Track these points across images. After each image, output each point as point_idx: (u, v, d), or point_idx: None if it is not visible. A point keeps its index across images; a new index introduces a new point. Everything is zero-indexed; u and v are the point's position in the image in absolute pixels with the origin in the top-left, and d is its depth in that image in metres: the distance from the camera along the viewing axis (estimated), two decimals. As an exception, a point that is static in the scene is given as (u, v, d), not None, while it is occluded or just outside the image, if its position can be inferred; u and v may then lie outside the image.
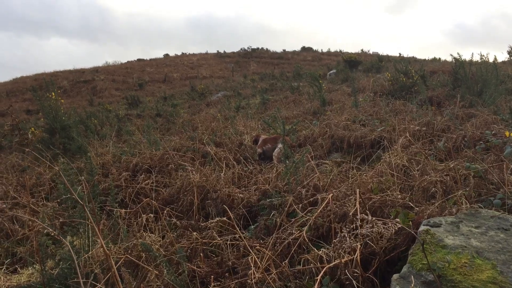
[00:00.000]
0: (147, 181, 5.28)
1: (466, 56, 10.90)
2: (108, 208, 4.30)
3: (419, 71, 11.14)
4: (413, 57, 39.42)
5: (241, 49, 53.37)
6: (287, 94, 19.02)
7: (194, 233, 3.30)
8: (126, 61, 50.48)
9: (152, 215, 3.65)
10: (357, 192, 2.88)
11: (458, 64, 8.83)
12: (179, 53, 54.72)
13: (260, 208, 4.02)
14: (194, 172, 4.84)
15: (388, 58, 32.52)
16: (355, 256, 2.41)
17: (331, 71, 28.11)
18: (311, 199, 3.70)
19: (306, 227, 2.93)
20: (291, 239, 2.86)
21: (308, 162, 4.63)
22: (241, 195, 4.25)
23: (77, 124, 9.66)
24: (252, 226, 3.82)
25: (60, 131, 6.40)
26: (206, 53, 53.40)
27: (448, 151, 4.40)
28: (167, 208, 4.33)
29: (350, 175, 4.19)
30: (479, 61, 9.23)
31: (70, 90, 35.89)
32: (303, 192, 3.72)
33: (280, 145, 6.18)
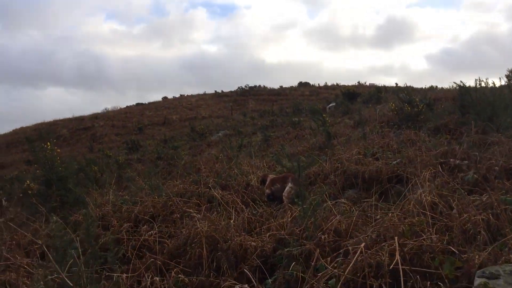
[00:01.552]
0: (150, 232, 4.89)
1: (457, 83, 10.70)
2: (108, 267, 3.90)
3: (424, 99, 10.90)
4: (410, 86, 39.49)
5: (239, 87, 53.71)
6: (289, 129, 18.81)
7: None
8: (125, 106, 50.74)
9: (157, 278, 3.23)
10: (396, 240, 2.50)
11: (463, 90, 8.59)
12: (177, 95, 55.06)
13: (277, 258, 3.63)
14: (201, 220, 4.46)
15: (385, 89, 32.53)
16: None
17: (330, 104, 28.05)
18: (333, 246, 3.32)
19: (336, 283, 2.54)
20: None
21: (324, 203, 4.27)
22: (253, 244, 3.86)
23: (76, 173, 9.32)
24: (270, 280, 3.41)
25: (56, 183, 6.07)
26: (204, 94, 53.69)
27: (476, 182, 4.05)
28: (173, 263, 3.93)
29: (373, 216, 3.82)
30: (482, 86, 9.01)
31: (70, 138, 35.81)
32: (324, 238, 3.34)
33: (290, 185, 5.83)
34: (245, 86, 53.69)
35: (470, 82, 9.04)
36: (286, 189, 5.82)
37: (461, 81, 8.58)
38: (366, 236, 3.07)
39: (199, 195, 5.89)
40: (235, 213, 5.14)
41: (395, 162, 5.46)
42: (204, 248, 3.85)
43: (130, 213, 5.55)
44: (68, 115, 46.08)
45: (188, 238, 4.15)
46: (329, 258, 3.23)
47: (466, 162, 4.42)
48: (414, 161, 5.26)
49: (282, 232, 3.86)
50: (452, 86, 22.43)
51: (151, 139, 29.39)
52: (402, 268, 2.32)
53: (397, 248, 2.46)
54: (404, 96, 11.82)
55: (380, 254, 2.63)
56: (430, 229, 3.02)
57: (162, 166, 15.61)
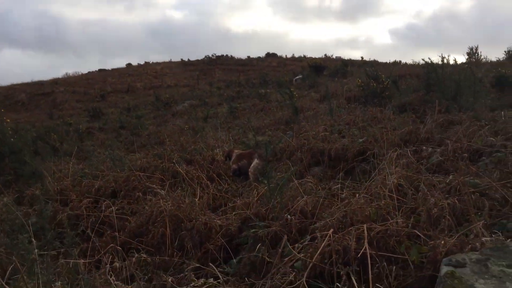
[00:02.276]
0: (111, 208, 4.73)
1: (419, 58, 10.82)
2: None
3: (389, 76, 10.96)
4: (374, 60, 39.75)
5: (206, 56, 52.69)
6: (255, 101, 18.65)
7: (170, 279, 2.80)
8: (87, 72, 48.91)
9: (117, 261, 3.11)
10: (365, 228, 2.47)
11: (430, 68, 8.67)
12: (141, 62, 53.45)
13: (243, 239, 3.57)
14: (164, 198, 4.33)
15: (351, 63, 32.65)
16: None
17: (297, 77, 27.99)
18: (300, 227, 3.29)
19: (303, 267, 2.51)
20: (287, 286, 2.43)
21: (290, 181, 4.22)
22: (219, 223, 3.79)
23: (33, 143, 8.93)
24: (235, 260, 3.36)
25: (9, 155, 5.75)
26: (170, 62, 52.41)
27: (441, 164, 4.09)
28: (135, 242, 3.82)
29: (339, 196, 3.80)
30: (447, 64, 9.11)
31: (28, 104, 34.38)
32: (290, 219, 3.30)
33: (256, 161, 5.76)
34: (212, 55, 52.73)
35: (432, 58, 9.11)
36: (252, 165, 5.75)
37: (429, 58, 8.63)
38: (333, 219, 3.04)
39: (163, 170, 5.74)
40: (200, 189, 5.04)
41: (361, 140, 5.46)
42: (168, 227, 3.75)
43: (91, 188, 5.36)
44: (26, 79, 44.02)
45: (150, 216, 4.03)
46: (294, 239, 3.21)
47: (439, 149, 4.43)
48: (379, 140, 5.28)
49: (248, 211, 3.79)
50: (415, 62, 22.78)
51: (114, 107, 28.57)
52: (369, 253, 2.30)
53: (366, 234, 2.43)
54: (370, 71, 11.87)
55: (348, 238, 2.60)
56: (396, 213, 3.03)
57: (125, 136, 15.25)
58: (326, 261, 2.49)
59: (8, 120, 6.54)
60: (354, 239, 2.57)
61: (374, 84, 10.70)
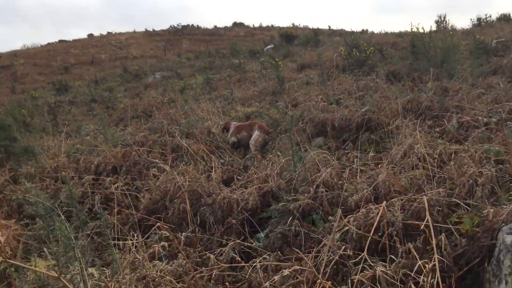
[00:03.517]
0: (116, 185, 4.58)
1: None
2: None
3: (370, 45, 10.95)
4: (342, 29, 39.73)
5: (171, 26, 51.31)
6: (230, 72, 18.34)
7: (211, 256, 2.73)
8: (47, 43, 46.85)
9: (165, 243, 2.99)
10: (425, 200, 2.45)
11: (416, 36, 8.70)
12: (99, 33, 51.55)
13: (266, 213, 3.52)
14: (174, 172, 4.21)
15: (320, 32, 32.46)
16: (436, 278, 1.99)
17: (268, 46, 27.73)
18: (328, 199, 3.26)
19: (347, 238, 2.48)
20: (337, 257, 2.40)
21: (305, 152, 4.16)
22: (238, 197, 3.71)
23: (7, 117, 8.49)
24: (262, 234, 3.32)
25: (-1, 132, 5.43)
26: (134, 32, 50.80)
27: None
28: (153, 219, 3.71)
29: (358, 168, 3.79)
30: (428, 31, 9.16)
31: (-15, 77, 32.71)
32: (320, 191, 3.26)
33: (257, 132, 5.67)
34: (178, 25, 51.40)
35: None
36: (253, 136, 5.67)
37: (416, 27, 8.63)
38: (367, 190, 3.02)
39: (162, 144, 5.57)
40: (204, 163, 4.94)
41: (363, 109, 5.45)
42: (188, 203, 3.65)
43: (89, 164, 5.15)
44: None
45: (166, 192, 3.91)
46: (325, 212, 3.19)
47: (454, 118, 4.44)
48: (383, 109, 5.28)
49: (269, 185, 3.72)
50: (383, 30, 22.84)
51: (80, 80, 27.59)
52: (432, 225, 2.28)
53: (427, 205, 2.41)
54: (350, 40, 11.84)
55: (392, 210, 2.59)
56: (432, 182, 3.04)
57: (98, 109, 14.77)
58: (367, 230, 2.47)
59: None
60: (399, 210, 2.56)
61: (357, 53, 10.68)
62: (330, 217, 3.01)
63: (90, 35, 51.13)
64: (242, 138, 5.83)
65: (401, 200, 2.67)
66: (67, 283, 1.74)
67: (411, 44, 9.02)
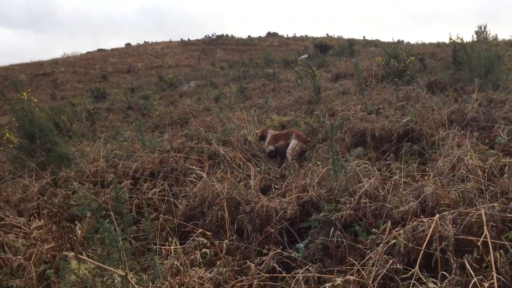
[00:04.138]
0: (153, 190, 4.59)
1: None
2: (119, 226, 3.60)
3: (409, 54, 10.73)
4: (377, 39, 39.33)
5: (206, 36, 52.15)
6: (264, 81, 18.36)
7: (252, 266, 2.66)
8: (86, 52, 48.34)
9: (207, 250, 2.95)
10: (482, 214, 2.31)
11: (459, 46, 8.45)
12: (135, 42, 52.87)
13: (306, 223, 3.43)
14: (213, 179, 4.18)
15: (354, 42, 32.21)
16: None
17: (302, 56, 27.66)
18: (372, 210, 3.14)
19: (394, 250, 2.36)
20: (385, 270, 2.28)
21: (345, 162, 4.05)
22: (277, 206, 3.64)
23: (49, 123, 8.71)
24: (302, 245, 3.23)
25: (40, 136, 5.54)
26: (170, 41, 51.80)
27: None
28: (191, 226, 3.68)
29: (401, 179, 3.65)
30: (469, 42, 8.88)
31: (29, 84, 33.88)
32: (363, 202, 3.15)
33: (294, 141, 5.59)
34: (212, 34, 52.18)
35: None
36: (290, 145, 5.59)
37: (457, 36, 8.39)
38: (414, 203, 2.89)
39: (199, 151, 5.57)
40: (241, 171, 4.90)
41: (405, 120, 5.29)
42: (226, 211, 3.60)
43: (127, 169, 5.19)
44: (19, 59, 43.45)
45: (204, 199, 3.88)
46: (368, 224, 3.07)
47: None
48: (426, 119, 5.11)
49: (309, 194, 3.63)
50: (420, 41, 22.36)
51: (117, 88, 28.25)
52: (490, 241, 2.15)
53: (484, 219, 2.27)
54: (389, 49, 11.63)
55: (443, 224, 2.45)
56: (484, 196, 2.88)
57: (134, 117, 15.02)
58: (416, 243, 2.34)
59: (36, 100, 6.30)
60: (451, 224, 2.43)
61: (395, 63, 10.48)
62: (373, 229, 2.90)
63: (128, 45, 52.49)
64: (280, 147, 5.77)
65: (452, 213, 2.54)
66: (132, 283, 1.71)
67: (453, 54, 8.76)
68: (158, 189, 4.60)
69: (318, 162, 4.46)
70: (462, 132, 4.46)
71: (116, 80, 33.73)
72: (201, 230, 3.59)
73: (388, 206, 3.08)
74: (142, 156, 5.48)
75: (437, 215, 2.43)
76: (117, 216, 3.98)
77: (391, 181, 3.59)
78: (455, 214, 2.54)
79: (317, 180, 3.81)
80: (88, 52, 48.66)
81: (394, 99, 6.60)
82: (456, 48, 8.84)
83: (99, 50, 50.20)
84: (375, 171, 3.99)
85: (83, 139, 7.79)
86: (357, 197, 3.22)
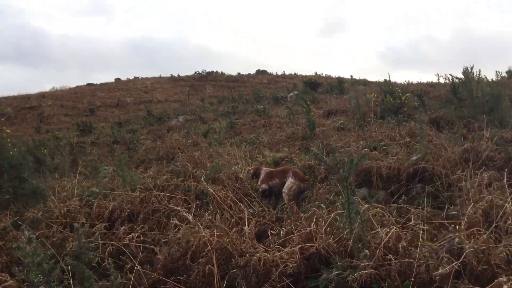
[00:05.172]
0: (131, 235, 3.96)
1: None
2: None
3: (416, 91, 10.42)
4: (365, 79, 39.67)
5: (195, 72, 52.25)
6: (254, 117, 17.96)
7: None
8: (75, 86, 47.97)
9: None
10: None
11: (460, 83, 8.12)
12: (124, 77, 52.76)
13: (314, 281, 2.83)
14: (199, 224, 3.57)
15: (343, 80, 32.34)
16: None
17: (292, 93, 27.51)
18: (397, 268, 2.55)
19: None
20: None
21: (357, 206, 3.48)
22: (277, 259, 3.03)
23: (26, 156, 8.08)
24: (309, 310, 2.62)
25: (8, 171, 4.90)
26: (160, 77, 51.78)
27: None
28: (172, 282, 3.04)
29: (424, 228, 3.09)
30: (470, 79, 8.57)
31: (14, 117, 33.22)
32: (388, 258, 2.57)
33: (291, 180, 5.04)
34: (202, 71, 52.34)
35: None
36: (286, 184, 5.03)
37: (466, 70, 8.06)
38: (455, 263, 2.32)
39: (186, 189, 4.96)
40: (233, 213, 4.30)
41: (414, 158, 4.78)
42: (215, 265, 2.98)
43: (103, 209, 4.56)
44: (6, 92, 42.87)
45: (188, 248, 3.26)
46: (393, 285, 2.48)
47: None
48: (438, 158, 4.61)
49: (315, 245, 3.04)
50: (408, 81, 22.37)
51: (104, 122, 27.65)
52: None
53: None
54: (385, 86, 11.33)
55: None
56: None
57: (120, 151, 14.38)
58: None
59: (9, 131, 5.68)
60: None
61: (391, 99, 10.13)
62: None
63: (117, 79, 52.33)
64: (274, 186, 5.20)
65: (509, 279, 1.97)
66: None
67: (453, 91, 8.41)
68: (137, 234, 3.96)
69: (322, 205, 3.89)
70: (480, 172, 3.94)
71: (104, 114, 33.14)
72: None
73: (414, 264, 2.51)
74: (121, 194, 4.86)
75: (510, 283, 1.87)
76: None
77: (410, 230, 3.03)
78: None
79: (325, 227, 3.22)
80: (77, 86, 48.29)
81: (398, 135, 6.13)
82: (456, 85, 8.52)
83: (88, 84, 49.89)
84: (389, 216, 3.43)
85: (59, 175, 7.13)
86: (377, 251, 2.64)
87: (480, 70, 8.12)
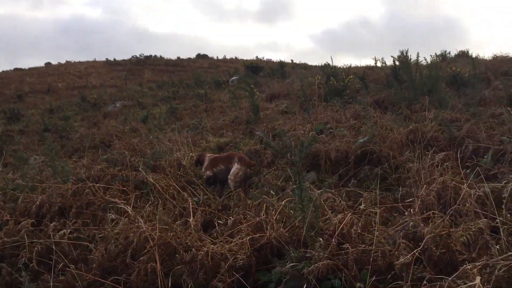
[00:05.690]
0: (62, 232, 3.57)
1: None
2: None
3: (358, 73, 10.48)
4: (305, 63, 40.02)
5: (133, 56, 50.37)
6: (195, 102, 17.53)
7: None
8: (0, 71, 44.76)
9: None
10: None
11: (402, 65, 8.23)
12: (55, 62, 49.91)
13: (266, 275, 2.63)
14: (139, 218, 3.26)
15: (284, 64, 32.42)
16: None
17: (233, 78, 27.23)
18: (355, 258, 2.41)
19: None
20: None
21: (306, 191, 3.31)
22: (223, 252, 2.80)
23: None
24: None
25: None
26: (95, 61, 49.47)
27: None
28: (110, 283, 2.74)
29: (378, 213, 2.97)
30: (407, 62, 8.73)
31: None
32: (346, 247, 2.41)
33: (237, 165, 4.81)
34: (140, 55, 50.57)
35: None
36: (232, 170, 4.80)
37: (401, 54, 8.15)
38: (416, 250, 2.19)
39: (123, 179, 4.59)
40: (175, 203, 4.02)
41: (361, 140, 4.71)
42: (158, 262, 2.70)
43: (30, 204, 4.11)
44: None
45: (127, 245, 2.95)
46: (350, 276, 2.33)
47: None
48: (385, 139, 4.56)
49: (266, 234, 2.83)
50: (346, 64, 22.87)
51: (34, 108, 25.96)
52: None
53: None
54: (328, 69, 11.35)
55: (466, 281, 1.77)
56: (500, 236, 2.25)
57: (51, 139, 13.50)
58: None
59: None
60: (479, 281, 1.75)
61: (334, 82, 10.14)
62: (358, 284, 2.17)
63: (48, 64, 49.43)
64: (219, 172, 4.96)
65: (476, 266, 1.87)
66: None
67: (394, 74, 8.52)
68: (69, 230, 3.58)
69: (272, 192, 3.69)
70: (430, 153, 3.91)
71: (33, 100, 31.13)
72: (124, 289, 2.68)
73: (371, 250, 2.37)
74: (51, 187, 4.41)
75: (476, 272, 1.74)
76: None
77: (363, 215, 2.91)
78: (479, 267, 1.88)
79: (275, 215, 3.01)
80: (2, 71, 45.07)
81: (343, 118, 6.06)
82: (397, 68, 8.64)
83: (16, 69, 46.71)
84: (340, 201, 3.30)
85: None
86: (332, 239, 2.48)
87: (418, 53, 8.19)
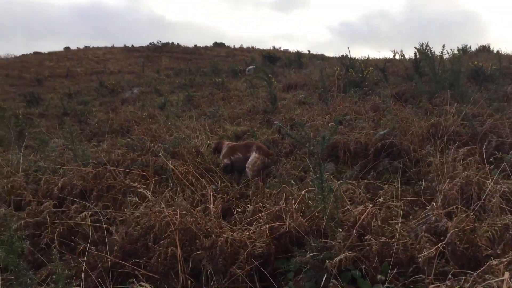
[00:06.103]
0: (83, 214, 3.63)
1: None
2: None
3: (378, 65, 10.37)
4: (322, 54, 39.63)
5: (150, 43, 50.52)
6: (212, 90, 17.54)
7: None
8: (21, 55, 45.28)
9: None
10: None
11: (424, 58, 8.11)
12: (73, 46, 50.36)
13: (285, 263, 2.64)
14: (161, 202, 3.29)
15: (302, 55, 32.18)
16: None
17: (250, 67, 27.15)
18: (377, 250, 2.40)
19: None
20: None
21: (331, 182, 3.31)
22: (245, 239, 2.82)
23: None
24: (281, 294, 2.43)
25: None
26: (113, 47, 49.73)
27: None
28: (131, 265, 2.78)
29: (401, 206, 2.95)
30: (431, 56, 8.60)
31: (-47, 87, 30.97)
32: (367, 239, 2.40)
33: (255, 154, 4.82)
34: (158, 42, 50.68)
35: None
36: (250, 159, 4.81)
37: (421, 47, 8.03)
38: (440, 244, 2.18)
39: (143, 164, 4.63)
40: (195, 190, 4.05)
41: (381, 132, 4.67)
42: (178, 246, 2.73)
43: (52, 186, 4.18)
44: None
45: (149, 228, 2.99)
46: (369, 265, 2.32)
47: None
48: (406, 132, 4.51)
49: (286, 223, 2.84)
50: (363, 56, 22.63)
51: (53, 92, 26.26)
52: None
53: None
54: (347, 61, 11.25)
55: (491, 278, 1.76)
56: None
57: (70, 123, 13.66)
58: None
59: None
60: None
61: (353, 73, 10.06)
62: (379, 276, 2.17)
63: (67, 48, 49.86)
64: (237, 161, 4.98)
65: (502, 262, 1.85)
66: None
67: (415, 67, 8.40)
68: (90, 213, 3.64)
69: (293, 181, 3.69)
70: (454, 147, 3.86)
71: (52, 84, 31.48)
72: (144, 271, 2.71)
73: (393, 243, 2.36)
74: (72, 169, 4.48)
75: (507, 274, 1.73)
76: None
77: (385, 208, 2.89)
78: (505, 262, 1.86)
79: (296, 205, 3.02)
80: (22, 55, 45.61)
81: (362, 110, 6.01)
82: (418, 60, 8.52)
83: (35, 53, 47.20)
84: (360, 193, 3.29)
85: (3, 148, 6.57)
86: (353, 230, 2.47)
87: (444, 45, 8.04)
